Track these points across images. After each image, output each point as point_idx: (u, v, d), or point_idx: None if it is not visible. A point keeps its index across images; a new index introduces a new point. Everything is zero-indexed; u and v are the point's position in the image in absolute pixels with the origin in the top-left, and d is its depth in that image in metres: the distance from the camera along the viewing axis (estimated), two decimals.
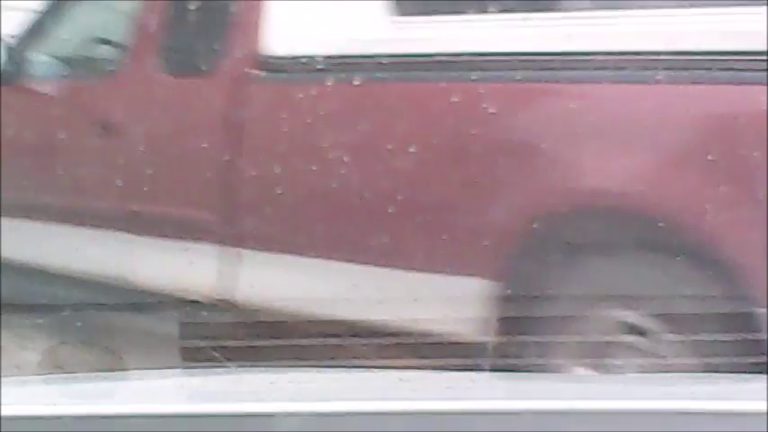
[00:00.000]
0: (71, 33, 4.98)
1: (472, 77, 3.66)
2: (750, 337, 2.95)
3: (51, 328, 4.28)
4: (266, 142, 4.09)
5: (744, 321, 3.05)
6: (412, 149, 3.73)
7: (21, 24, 5.00)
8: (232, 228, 4.16)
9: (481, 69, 3.66)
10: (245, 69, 4.10)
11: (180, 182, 4.37)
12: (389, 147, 3.77)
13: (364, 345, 3.49)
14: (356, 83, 3.87)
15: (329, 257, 3.89)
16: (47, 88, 4.87)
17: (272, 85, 4.09)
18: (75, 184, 4.70)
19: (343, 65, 3.92)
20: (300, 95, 3.97)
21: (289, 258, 3.97)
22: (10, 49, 4.91)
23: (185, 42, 4.41)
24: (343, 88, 3.89)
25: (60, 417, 1.46)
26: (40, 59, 4.95)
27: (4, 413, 1.43)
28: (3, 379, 1.75)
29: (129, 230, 4.44)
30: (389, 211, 3.77)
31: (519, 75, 3.59)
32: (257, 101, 4.13)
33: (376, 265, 3.75)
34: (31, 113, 4.94)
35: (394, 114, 3.84)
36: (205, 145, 4.22)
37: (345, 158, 3.84)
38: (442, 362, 3.42)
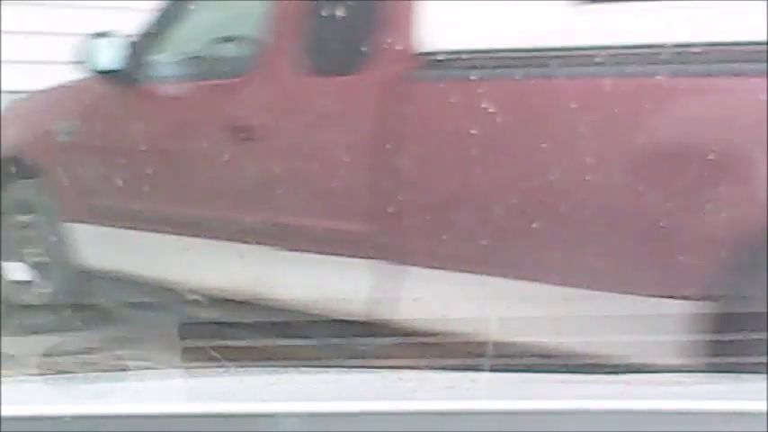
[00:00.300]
0: (195, 32, 4.68)
1: (671, 72, 3.19)
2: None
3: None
4: (426, 146, 3.69)
5: None
6: (602, 155, 3.28)
7: (140, 24, 4.73)
8: (387, 240, 3.75)
9: (682, 63, 3.21)
10: (401, 67, 3.73)
11: (327, 190, 3.94)
12: (572, 151, 3.32)
13: (364, 345, 3.48)
14: (531, 79, 3.44)
15: (503, 275, 3.42)
16: (170, 90, 4.58)
17: (431, 84, 3.70)
18: (205, 193, 4.32)
19: (514, 60, 3.50)
20: (464, 94, 3.58)
21: (453, 276, 3.55)
22: (130, 50, 4.61)
23: (329, 40, 4.04)
24: (515, 86, 3.48)
25: (60, 417, 1.46)
26: (162, 60, 4.65)
27: (4, 413, 1.43)
28: (3, 379, 1.75)
29: (267, 244, 4.04)
30: (572, 222, 3.32)
31: (725, 68, 3.16)
32: (415, 101, 3.72)
33: (563, 285, 3.28)
34: (154, 117, 4.59)
35: (578, 115, 3.33)
36: (356, 150, 3.84)
37: (521, 164, 3.44)
38: (441, 362, 3.41)
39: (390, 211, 3.74)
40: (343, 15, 3.97)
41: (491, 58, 3.57)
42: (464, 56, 3.61)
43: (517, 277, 3.40)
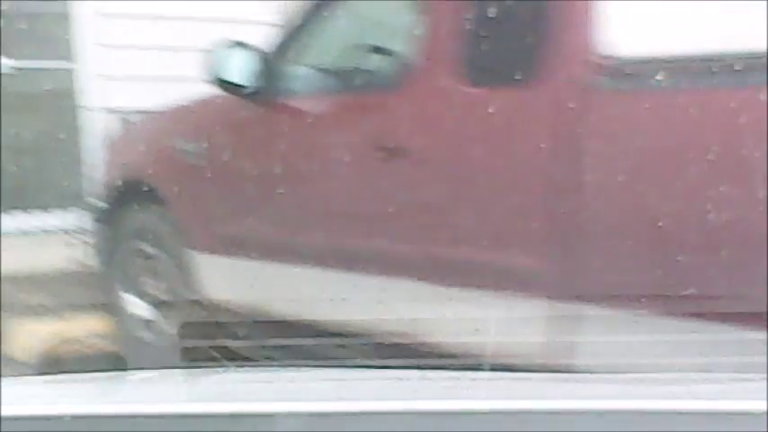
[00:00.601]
0: (333, 42, 4.29)
1: None
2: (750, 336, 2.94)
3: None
4: (613, 167, 3.19)
5: None
6: None
7: (274, 35, 4.38)
8: (566, 278, 3.30)
9: None
10: (581, 75, 3.30)
11: (494, 218, 3.49)
12: None
13: (364, 345, 3.45)
14: (744, 89, 2.98)
15: (707, 317, 2.93)
16: (308, 106, 4.12)
17: (616, 94, 3.27)
18: (350, 221, 3.89)
19: (724, 67, 3.04)
20: (658, 106, 3.15)
21: (649, 320, 3.06)
22: (262, 62, 4.20)
23: (494, 46, 3.59)
24: (724, 96, 3.03)
25: (60, 417, 1.46)
26: (298, 73, 4.24)
27: (4, 413, 1.43)
28: (3, 379, 1.75)
29: (421, 279, 3.59)
30: None
31: None
32: (598, 113, 3.27)
33: None
34: (290, 136, 4.13)
35: None
36: (528, 171, 3.40)
37: (729, 187, 2.95)
38: (441, 362, 3.38)
39: (571, 244, 3.29)
40: (509, 18, 3.58)
41: (688, 64, 3.15)
42: (656, 61, 3.19)
43: (733, 324, 2.90)
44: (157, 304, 4.64)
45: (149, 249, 4.70)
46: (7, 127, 6.33)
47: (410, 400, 1.55)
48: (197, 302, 4.37)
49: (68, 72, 6.56)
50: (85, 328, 4.89)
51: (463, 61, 3.62)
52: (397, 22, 4.10)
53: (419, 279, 3.60)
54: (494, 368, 1.91)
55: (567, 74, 3.34)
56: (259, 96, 4.18)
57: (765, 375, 1.62)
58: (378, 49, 4.14)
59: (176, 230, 4.56)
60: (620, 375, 1.85)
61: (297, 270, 3.97)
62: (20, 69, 6.43)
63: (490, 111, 3.53)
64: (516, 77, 3.47)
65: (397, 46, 4.02)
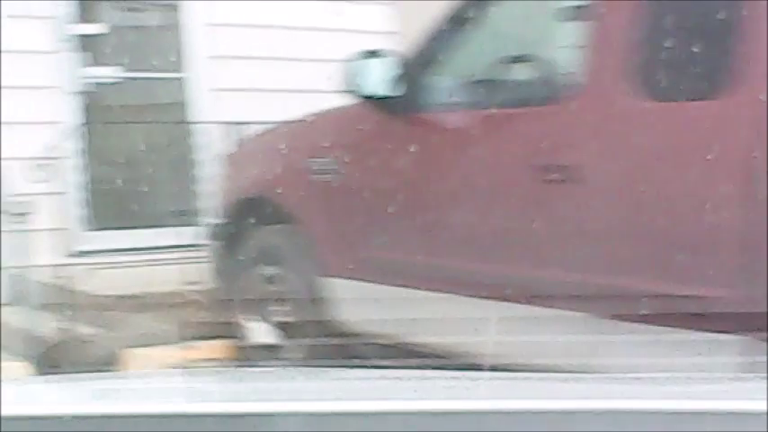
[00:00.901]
0: (481, 51, 3.99)
1: None
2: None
3: None
4: None
5: None
6: None
7: (413, 44, 4.10)
8: (760, 309, 2.92)
9: None
10: None
11: (675, 246, 3.18)
12: None
13: (365, 345, 3.46)
14: None
15: None
16: (454, 120, 3.85)
17: None
18: (503, 246, 3.60)
19: None
20: None
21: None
22: (403, 72, 3.95)
23: (675, 56, 3.29)
24: None
25: (60, 417, 1.46)
26: (443, 84, 3.97)
27: (4, 413, 1.43)
28: (3, 379, 1.75)
29: (585, 311, 3.26)
30: None
31: None
32: None
33: None
34: (435, 153, 3.84)
35: None
36: (720, 193, 3.11)
37: None
38: (441, 362, 3.38)
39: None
40: (692, 25, 3.33)
41: None
42: None
43: None
44: (283, 331, 4.33)
45: (274, 271, 4.42)
46: (122, 140, 6.06)
47: (410, 400, 1.55)
48: (328, 328, 4.04)
49: (180, 82, 6.29)
50: (204, 354, 4.55)
51: (639, 74, 3.36)
52: (554, 31, 3.84)
53: (585, 311, 3.27)
54: (494, 368, 1.91)
55: (761, 87, 3.06)
56: (401, 109, 3.91)
57: (765, 375, 1.62)
58: (532, 60, 3.87)
59: (306, 251, 4.28)
60: (620, 375, 1.85)
61: (446, 298, 3.66)
62: (131, 80, 6.17)
63: (672, 128, 3.28)
64: (705, 91, 3.23)
65: (555, 56, 3.76)
